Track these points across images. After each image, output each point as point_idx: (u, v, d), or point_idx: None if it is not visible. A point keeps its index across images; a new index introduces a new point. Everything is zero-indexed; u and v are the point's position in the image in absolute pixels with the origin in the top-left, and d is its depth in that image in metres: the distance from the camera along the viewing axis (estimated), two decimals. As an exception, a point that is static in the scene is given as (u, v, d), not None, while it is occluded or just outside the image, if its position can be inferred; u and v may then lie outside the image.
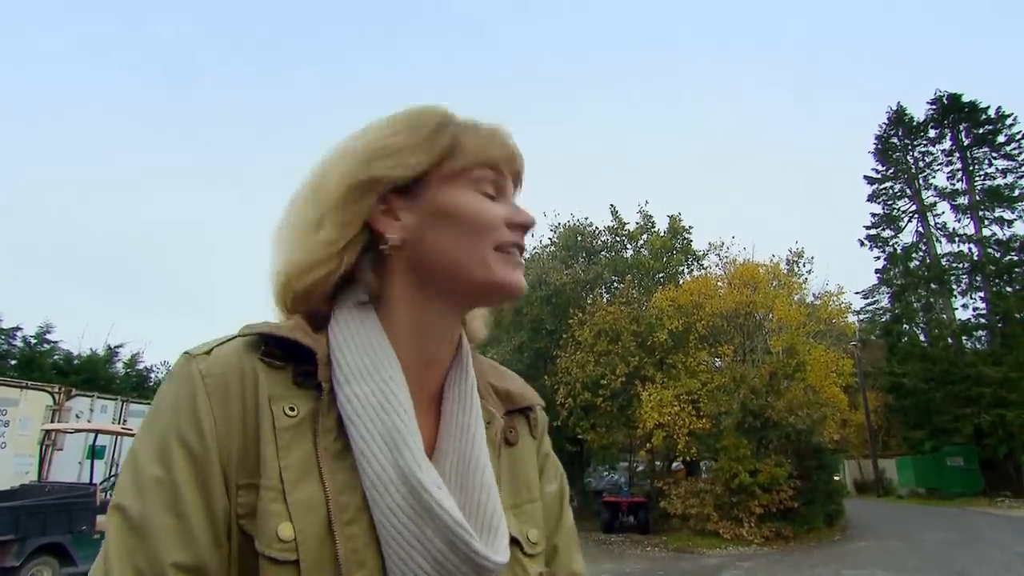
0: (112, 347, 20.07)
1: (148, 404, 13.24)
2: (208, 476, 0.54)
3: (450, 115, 0.69)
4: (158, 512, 0.52)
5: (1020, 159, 27.18)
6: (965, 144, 28.18)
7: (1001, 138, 27.48)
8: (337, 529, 0.54)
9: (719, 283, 15.23)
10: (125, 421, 12.35)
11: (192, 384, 0.57)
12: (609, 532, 13.81)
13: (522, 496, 0.71)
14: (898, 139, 29.90)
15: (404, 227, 0.65)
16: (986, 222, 27.18)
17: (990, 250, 26.57)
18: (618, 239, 18.72)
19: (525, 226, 0.68)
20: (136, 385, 19.75)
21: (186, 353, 0.60)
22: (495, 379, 0.76)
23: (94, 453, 9.82)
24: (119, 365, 20.36)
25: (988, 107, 27.90)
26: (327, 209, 0.64)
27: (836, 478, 20.41)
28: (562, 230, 18.47)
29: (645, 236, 18.29)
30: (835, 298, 15.29)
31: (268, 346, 0.60)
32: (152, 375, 21.31)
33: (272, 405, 0.57)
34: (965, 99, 28.17)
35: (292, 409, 0.57)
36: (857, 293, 31.49)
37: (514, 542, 0.64)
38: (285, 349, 0.60)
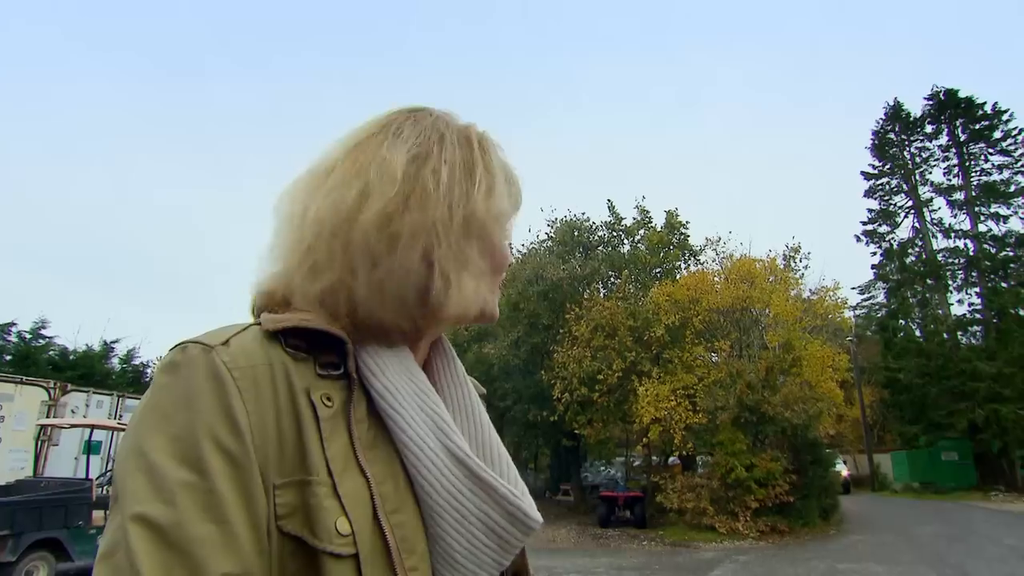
0: (108, 342, 20.03)
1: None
2: (249, 480, 0.51)
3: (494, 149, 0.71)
4: (196, 520, 0.47)
5: (1016, 155, 27.24)
6: (961, 140, 28.21)
7: (997, 134, 27.53)
8: (383, 519, 0.54)
9: (716, 278, 15.24)
10: (121, 416, 12.32)
11: (219, 378, 0.52)
12: (605, 526, 13.86)
13: None
14: (895, 135, 29.93)
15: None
16: (982, 218, 27.25)
17: (986, 246, 26.65)
18: (615, 234, 18.74)
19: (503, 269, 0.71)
20: (132, 380, 19.71)
21: (197, 343, 0.54)
22: None
23: (90, 448, 9.81)
24: (115, 360, 20.32)
25: (984, 103, 27.96)
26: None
27: (844, 474, 20.48)
28: (559, 225, 18.48)
29: (642, 231, 18.31)
30: (831, 293, 15.32)
31: (293, 337, 0.58)
32: (148, 370, 21.25)
33: (311, 395, 0.56)
34: (962, 95, 28.20)
35: (329, 399, 0.56)
36: (853, 288, 31.61)
37: None
38: (309, 340, 0.59)
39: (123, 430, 8.40)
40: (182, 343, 0.55)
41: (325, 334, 0.58)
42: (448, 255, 0.62)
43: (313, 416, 0.54)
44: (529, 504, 0.61)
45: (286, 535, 0.51)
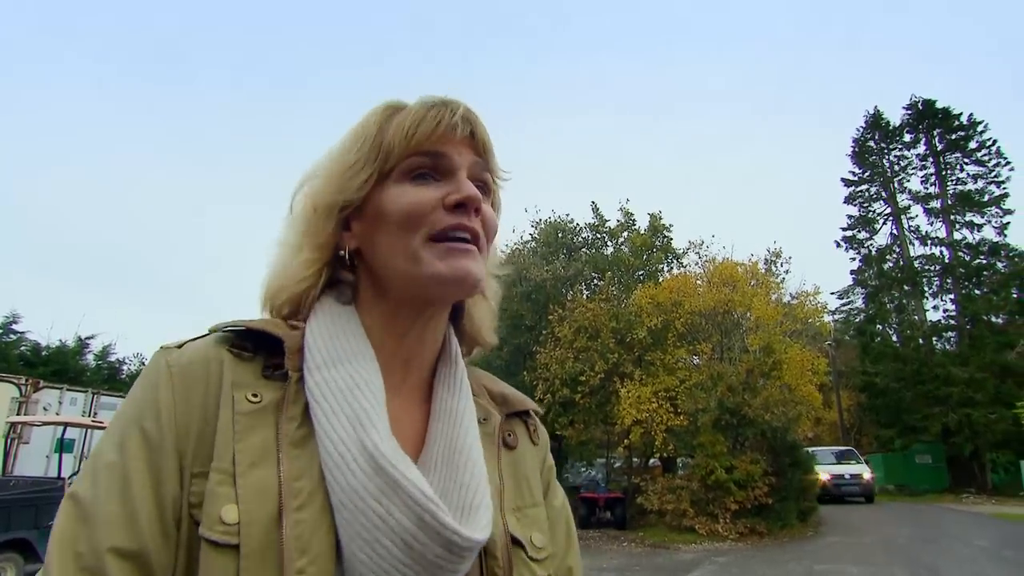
0: (83, 338, 19.63)
1: (120, 397, 13.00)
2: (161, 463, 0.54)
3: (391, 111, 0.68)
4: (106, 498, 0.52)
5: (990, 165, 27.82)
6: (939, 149, 28.75)
7: (972, 144, 28.09)
8: (286, 515, 0.52)
9: (698, 281, 15.35)
10: (96, 414, 12.08)
11: (158, 375, 0.57)
12: (586, 528, 13.88)
13: (525, 500, 0.69)
14: (875, 143, 30.41)
15: (355, 236, 0.67)
16: (957, 226, 27.78)
17: (960, 253, 27.17)
18: (599, 236, 18.79)
19: (461, 203, 0.63)
20: (108, 378, 19.35)
21: (161, 346, 0.61)
22: (489, 383, 0.77)
23: (62, 446, 9.58)
24: (90, 357, 19.94)
25: (961, 114, 28.52)
26: (304, 233, 0.67)
27: (868, 476, 18.76)
28: (543, 226, 18.48)
29: (626, 234, 18.38)
30: (811, 298, 15.52)
31: (238, 338, 0.61)
32: (125, 367, 20.90)
33: (234, 391, 0.57)
34: (939, 105, 28.76)
35: (255, 396, 0.57)
36: (832, 293, 32.03)
37: (517, 544, 0.63)
38: (255, 341, 0.61)
39: (97, 427, 8.25)
40: (161, 346, 0.61)
41: (268, 336, 0.61)
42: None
43: (231, 410, 0.56)
44: (445, 514, 0.53)
45: (196, 522, 0.52)
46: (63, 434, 9.70)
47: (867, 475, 19.22)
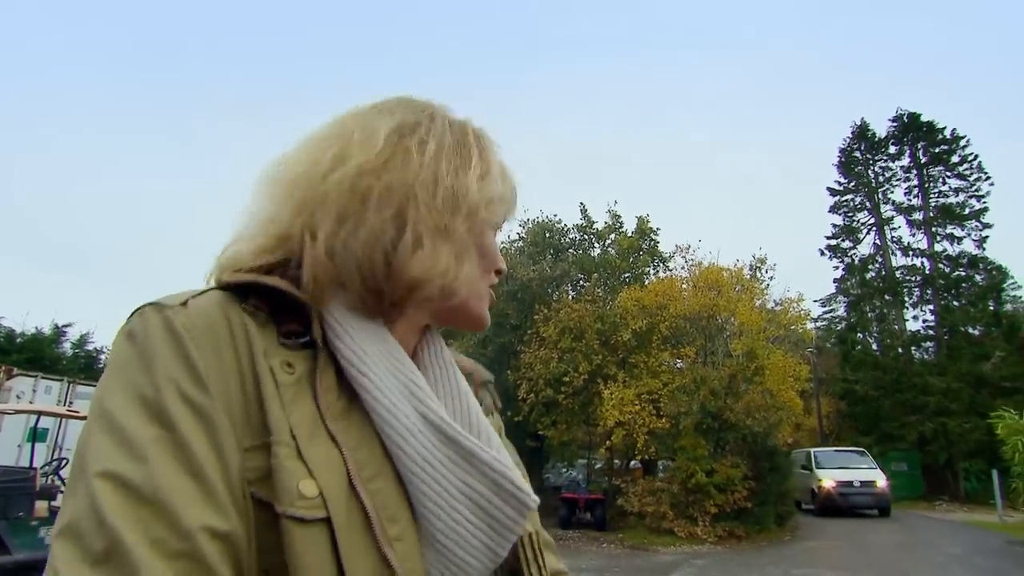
0: (60, 326, 19.31)
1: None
2: (220, 433, 0.47)
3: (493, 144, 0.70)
4: (170, 474, 0.44)
5: (971, 180, 28.29)
6: (922, 162, 29.19)
7: (955, 158, 28.56)
8: (360, 485, 0.50)
9: (684, 285, 15.43)
10: (71, 403, 11.87)
11: (176, 335, 0.49)
12: (566, 528, 13.89)
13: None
14: (860, 153, 30.79)
15: None
16: (938, 238, 28.23)
17: (941, 265, 27.61)
18: (586, 237, 18.81)
19: (500, 273, 0.71)
20: (85, 366, 19.04)
21: (153, 304, 0.52)
22: (456, 356, 0.75)
23: (35, 436, 9.39)
24: (67, 345, 19.61)
25: (944, 128, 28.99)
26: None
27: (882, 484, 16.15)
28: (531, 226, 18.46)
29: (613, 236, 18.41)
30: (795, 304, 15.66)
31: (254, 298, 0.55)
32: (102, 356, 20.56)
33: (268, 360, 0.52)
34: (924, 119, 29.21)
35: (290, 366, 0.52)
36: (815, 301, 32.36)
37: None
38: (270, 303, 0.55)
39: (72, 417, 8.11)
40: (139, 308, 0.52)
41: (287, 296, 0.55)
42: (425, 219, 0.58)
43: (273, 381, 0.51)
44: (519, 476, 0.56)
45: (258, 501, 0.47)
46: (36, 423, 9.50)
47: (881, 482, 16.44)
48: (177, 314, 0.51)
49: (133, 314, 0.52)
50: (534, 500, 0.56)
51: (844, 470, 16.69)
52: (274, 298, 0.55)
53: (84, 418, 0.54)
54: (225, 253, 0.60)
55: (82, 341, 20.06)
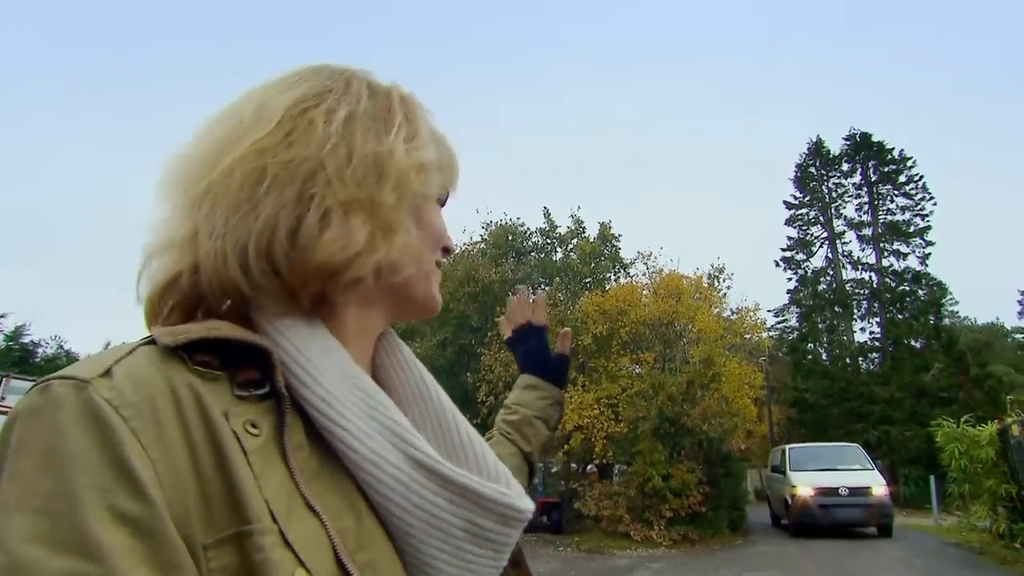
0: (-8, 317, 18.29)
1: (33, 380, 12.12)
2: (166, 552, 0.36)
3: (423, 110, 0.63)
4: None
5: (916, 199, 29.64)
6: (872, 180, 30.42)
7: (902, 178, 29.89)
8: (348, 562, 0.43)
9: (644, 292, 15.61)
10: (4, 398, 11.25)
11: (101, 423, 0.38)
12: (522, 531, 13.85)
13: None
14: (815, 169, 31.86)
15: None
16: (885, 253, 29.41)
17: (887, 279, 28.76)
18: (549, 241, 18.92)
19: (448, 251, 0.66)
20: (19, 360, 18.12)
21: (63, 378, 0.39)
22: None
23: (-38, 432, 8.83)
24: (0, 337, 18.60)
25: (893, 148, 30.32)
26: None
27: (881, 492, 12.07)
28: (494, 228, 18.45)
29: (575, 240, 18.55)
30: (751, 314, 16.01)
31: (199, 352, 0.44)
32: (40, 350, 19.60)
33: (231, 423, 0.42)
34: (875, 139, 30.50)
35: (254, 426, 0.43)
36: (769, 311, 33.29)
37: None
38: (221, 354, 0.45)
39: (5, 413, 7.66)
40: (45, 381, 0.40)
41: (242, 345, 0.45)
42: (337, 192, 0.50)
43: (240, 450, 0.41)
44: (518, 494, 0.53)
45: None
46: (-36, 418, 8.94)
47: (879, 489, 12.25)
48: (99, 389, 0.39)
49: (34, 388, 0.40)
50: (531, 511, 0.53)
51: (827, 472, 12.70)
52: (223, 345, 0.45)
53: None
54: (145, 280, 0.52)
55: (17, 334, 19.08)
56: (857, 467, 13.17)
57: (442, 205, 0.64)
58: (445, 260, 0.64)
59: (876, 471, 13.16)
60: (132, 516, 0.36)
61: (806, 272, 30.79)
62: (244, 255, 0.48)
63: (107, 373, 0.40)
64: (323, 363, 0.49)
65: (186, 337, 0.43)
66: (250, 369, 0.45)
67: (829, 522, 12.05)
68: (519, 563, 0.57)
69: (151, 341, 0.44)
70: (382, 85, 0.59)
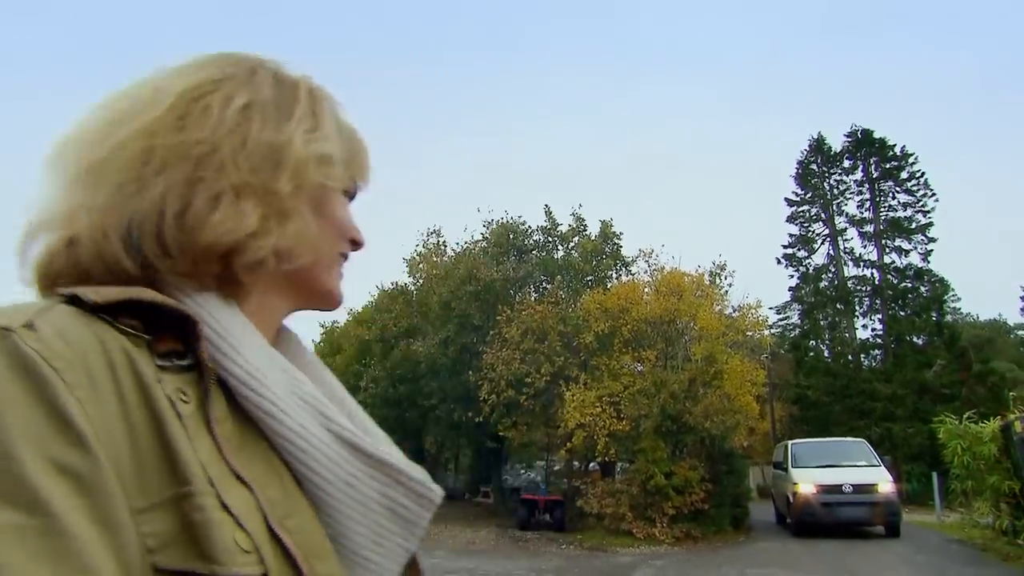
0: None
1: None
2: (109, 506, 0.36)
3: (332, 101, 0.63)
4: None
5: (918, 195, 29.55)
6: (874, 177, 30.32)
7: (904, 175, 29.79)
8: (278, 528, 0.43)
9: (646, 289, 15.60)
10: None
11: (32, 371, 0.36)
12: (525, 529, 13.88)
13: None
14: (817, 166, 31.76)
15: None
16: (887, 250, 29.33)
17: (889, 276, 28.70)
18: (550, 240, 18.89)
19: (359, 246, 0.65)
20: None
21: None
22: None
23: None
24: None
25: (895, 145, 30.20)
26: None
27: (887, 488, 11.82)
28: (495, 227, 18.44)
29: (577, 239, 18.53)
30: (753, 311, 15.99)
31: (123, 315, 0.43)
32: None
33: (164, 389, 0.41)
34: (876, 135, 30.38)
35: (184, 394, 0.43)
36: (771, 308, 33.23)
37: None
38: (144, 320, 0.44)
39: None
40: None
41: (167, 312, 0.44)
42: (230, 176, 0.49)
43: (175, 414, 0.41)
44: (424, 473, 0.56)
45: (161, 571, 0.38)
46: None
47: (885, 486, 11.92)
48: (26, 339, 0.37)
49: None
50: (440, 495, 0.56)
51: (830, 469, 12.37)
52: (144, 311, 0.44)
53: None
54: (25, 257, 0.50)
55: None
56: (863, 463, 12.78)
57: (351, 199, 0.63)
58: (353, 253, 0.63)
59: (883, 467, 12.73)
60: (74, 468, 0.35)
61: (808, 269, 30.73)
62: (128, 233, 0.47)
63: (29, 325, 0.38)
64: (245, 338, 0.49)
65: (114, 297, 0.42)
66: (170, 339, 0.44)
67: (832, 521, 11.70)
68: (414, 564, 0.58)
69: (67, 301, 0.42)
70: (290, 76, 0.58)
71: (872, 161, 30.37)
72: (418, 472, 0.54)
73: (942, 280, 28.42)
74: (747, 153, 68.05)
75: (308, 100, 0.57)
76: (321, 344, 28.65)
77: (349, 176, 0.61)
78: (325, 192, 0.57)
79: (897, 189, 29.98)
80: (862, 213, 30.44)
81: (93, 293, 0.42)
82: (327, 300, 0.61)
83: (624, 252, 18.23)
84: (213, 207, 0.48)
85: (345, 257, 0.62)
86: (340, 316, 22.51)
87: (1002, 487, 10.37)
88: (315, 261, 0.57)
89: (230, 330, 0.48)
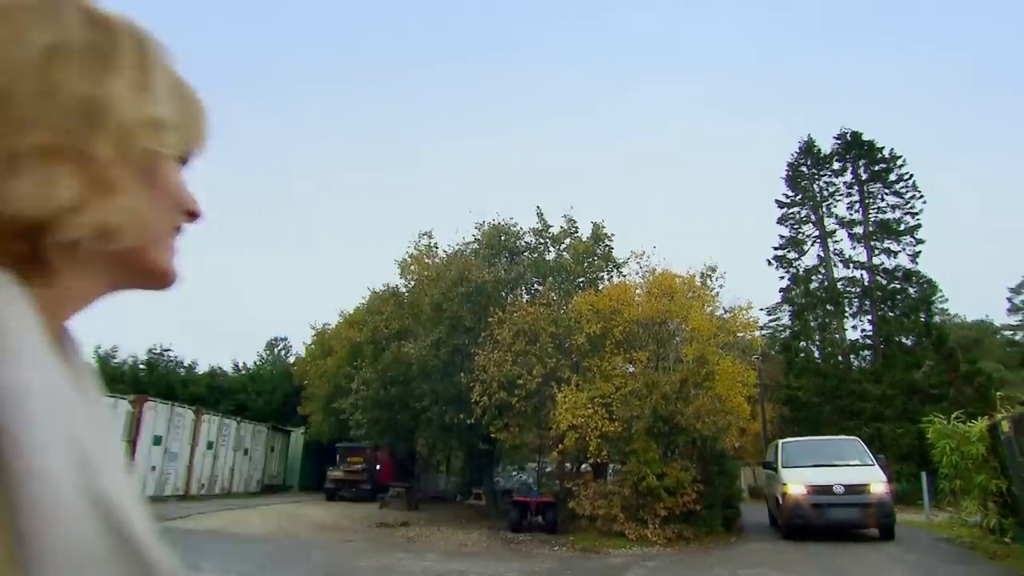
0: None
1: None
2: None
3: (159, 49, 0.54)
4: None
5: (906, 197, 29.86)
6: (863, 179, 30.61)
7: (892, 177, 30.10)
8: None
9: (637, 291, 15.62)
10: None
11: None
12: (517, 531, 13.84)
13: None
14: (807, 168, 32.02)
15: None
16: (876, 251, 29.58)
17: (878, 277, 28.95)
18: (542, 241, 18.89)
19: (196, 217, 0.56)
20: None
21: None
22: None
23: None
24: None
25: (884, 147, 30.56)
26: None
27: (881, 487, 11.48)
28: (486, 228, 18.42)
29: (568, 240, 18.55)
30: (744, 312, 16.04)
31: None
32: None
33: None
34: (865, 138, 30.71)
35: None
36: (762, 310, 33.43)
37: None
38: None
39: None
40: None
41: None
42: (31, 135, 0.41)
43: None
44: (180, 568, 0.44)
45: None
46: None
47: (878, 486, 11.61)
48: None
49: None
50: None
51: (821, 469, 12.05)
52: None
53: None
54: None
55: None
56: (855, 462, 12.44)
57: (184, 165, 0.55)
58: (188, 224, 0.54)
59: (876, 467, 12.28)
60: None
61: (798, 270, 30.93)
62: None
63: None
64: (24, 351, 0.38)
65: None
66: None
67: (823, 523, 11.43)
68: None
69: None
70: (108, 17, 0.48)
71: (861, 163, 30.67)
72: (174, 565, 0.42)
73: (930, 281, 28.74)
74: (739, 155, 68.48)
75: (133, 51, 0.48)
76: (312, 346, 28.51)
77: (184, 141, 0.53)
78: (158, 159, 0.49)
79: (886, 191, 30.27)
80: (851, 215, 30.72)
81: None
82: (158, 279, 0.52)
83: (615, 254, 18.29)
84: (12, 171, 0.40)
85: (179, 230, 0.54)
86: (331, 318, 22.39)
87: (990, 486, 10.46)
88: (145, 237, 0.48)
89: (8, 327, 0.38)
